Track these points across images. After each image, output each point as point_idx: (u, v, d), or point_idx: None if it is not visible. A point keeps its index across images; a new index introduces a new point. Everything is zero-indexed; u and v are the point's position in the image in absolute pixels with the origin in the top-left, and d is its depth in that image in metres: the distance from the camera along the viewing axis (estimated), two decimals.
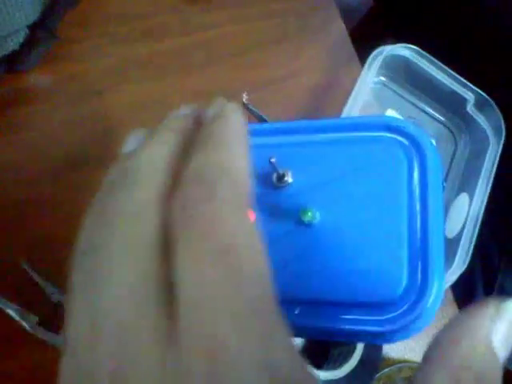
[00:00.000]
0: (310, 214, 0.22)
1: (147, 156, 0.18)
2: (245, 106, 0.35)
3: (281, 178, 0.23)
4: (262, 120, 0.34)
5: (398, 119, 0.25)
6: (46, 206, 0.31)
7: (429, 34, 0.61)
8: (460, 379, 0.15)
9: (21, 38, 0.31)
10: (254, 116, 0.35)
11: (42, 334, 0.28)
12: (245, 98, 0.35)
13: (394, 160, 0.23)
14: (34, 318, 0.28)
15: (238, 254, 0.15)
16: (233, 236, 0.15)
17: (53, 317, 0.29)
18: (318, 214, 0.23)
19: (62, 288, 0.29)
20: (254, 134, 0.25)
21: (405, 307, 0.21)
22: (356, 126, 0.25)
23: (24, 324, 0.28)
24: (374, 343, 0.30)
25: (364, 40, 0.46)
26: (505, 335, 0.16)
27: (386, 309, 0.21)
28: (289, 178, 0.23)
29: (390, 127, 0.24)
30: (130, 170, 0.17)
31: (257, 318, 0.14)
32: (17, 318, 0.28)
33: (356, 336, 0.22)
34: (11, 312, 0.28)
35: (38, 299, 0.29)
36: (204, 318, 0.14)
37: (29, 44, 0.31)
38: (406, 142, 0.24)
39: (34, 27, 0.31)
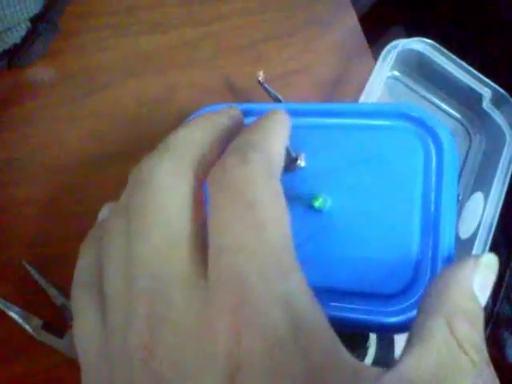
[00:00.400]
0: (321, 199, 0.22)
1: (181, 133, 0.20)
2: (260, 85, 0.34)
3: (293, 161, 0.23)
4: (277, 100, 0.33)
5: (416, 108, 0.24)
6: (48, 206, 0.30)
7: (441, 24, 0.59)
8: (452, 321, 0.17)
9: (22, 31, 0.30)
10: (270, 95, 0.34)
11: (45, 337, 0.28)
12: (261, 76, 0.34)
13: (410, 150, 0.23)
14: (38, 321, 0.28)
15: (261, 207, 0.17)
16: (258, 193, 0.17)
17: (56, 320, 0.28)
18: (329, 200, 0.23)
19: (66, 290, 0.28)
20: None
21: (412, 299, 0.21)
22: (373, 112, 0.24)
23: (27, 327, 0.28)
24: (381, 334, 0.30)
25: (372, 30, 0.45)
26: (481, 284, 0.18)
27: (393, 300, 0.21)
28: (301, 162, 0.23)
29: (407, 116, 0.23)
30: (163, 144, 0.20)
31: (276, 260, 0.16)
32: (19, 320, 0.28)
33: (362, 326, 0.21)
34: (13, 315, 0.28)
35: (42, 302, 0.28)
36: (230, 260, 0.16)
37: (30, 37, 0.30)
38: (423, 132, 0.23)
39: (35, 20, 0.30)
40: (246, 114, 0.25)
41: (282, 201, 0.18)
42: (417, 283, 0.21)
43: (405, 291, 0.21)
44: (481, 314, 0.18)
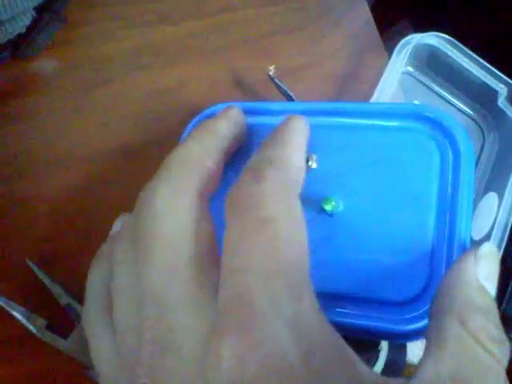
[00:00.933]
0: (332, 202, 0.22)
1: (180, 151, 0.20)
2: (271, 80, 0.33)
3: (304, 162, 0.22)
4: (288, 97, 0.32)
5: (432, 108, 0.23)
6: (53, 203, 0.29)
7: (448, 17, 0.58)
8: (464, 317, 0.16)
9: (27, 20, 0.29)
10: (281, 92, 0.33)
11: (49, 338, 0.27)
12: (271, 71, 0.33)
13: (426, 152, 0.22)
14: (42, 321, 0.27)
15: (275, 226, 0.16)
16: (273, 211, 0.17)
17: (61, 320, 0.27)
18: (340, 203, 0.22)
19: (71, 289, 0.28)
20: (278, 112, 0.24)
21: (426, 307, 0.20)
22: (388, 113, 0.23)
23: (31, 327, 0.27)
24: (393, 342, 0.30)
25: (380, 23, 0.44)
26: (487, 273, 0.18)
27: (406, 307, 0.20)
28: (313, 163, 0.22)
29: (423, 117, 0.23)
30: (163, 165, 0.20)
31: (288, 282, 0.16)
32: (23, 320, 0.27)
33: (373, 334, 0.21)
34: (17, 314, 0.27)
35: (46, 301, 0.27)
36: (239, 282, 0.16)
37: (35, 28, 0.29)
38: (439, 133, 0.22)
39: (41, 9, 0.29)
40: (256, 112, 0.25)
41: (298, 218, 0.18)
42: (430, 290, 0.20)
43: (418, 298, 0.20)
44: (493, 304, 0.17)
